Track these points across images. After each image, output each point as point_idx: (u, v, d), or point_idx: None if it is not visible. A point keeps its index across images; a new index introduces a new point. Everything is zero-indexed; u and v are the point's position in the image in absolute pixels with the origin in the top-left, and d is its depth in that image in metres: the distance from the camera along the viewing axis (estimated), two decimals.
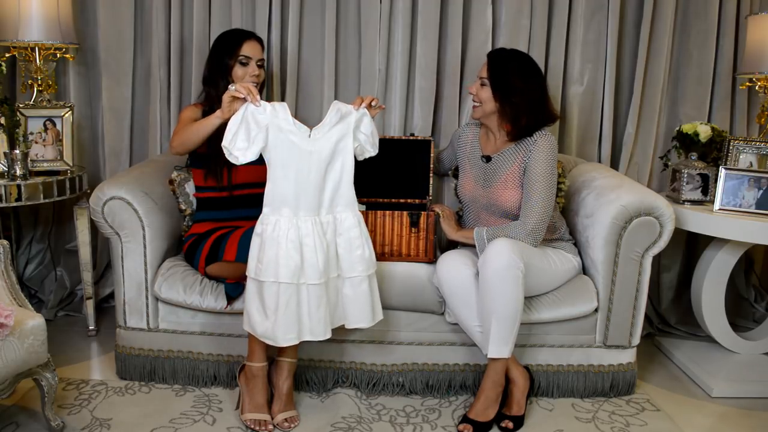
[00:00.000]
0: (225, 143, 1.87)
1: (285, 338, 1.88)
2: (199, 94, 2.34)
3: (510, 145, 2.21)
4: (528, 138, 2.16)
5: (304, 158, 1.90)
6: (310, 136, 1.92)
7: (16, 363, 1.75)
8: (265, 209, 1.92)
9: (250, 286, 1.92)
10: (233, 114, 1.90)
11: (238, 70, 2.24)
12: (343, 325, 2.01)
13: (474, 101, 2.23)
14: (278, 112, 1.89)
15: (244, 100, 1.89)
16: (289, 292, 1.86)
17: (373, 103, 2.02)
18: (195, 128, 2.05)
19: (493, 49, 2.27)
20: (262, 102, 1.89)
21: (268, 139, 1.88)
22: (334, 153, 1.94)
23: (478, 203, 2.27)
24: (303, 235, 1.89)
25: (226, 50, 2.24)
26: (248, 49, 2.25)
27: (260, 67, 2.28)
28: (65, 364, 2.38)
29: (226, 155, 1.89)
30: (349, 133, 1.96)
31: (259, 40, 2.31)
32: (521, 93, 2.13)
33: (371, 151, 2.05)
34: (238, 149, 1.87)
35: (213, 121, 1.99)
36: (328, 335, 1.93)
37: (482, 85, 2.18)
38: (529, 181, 2.13)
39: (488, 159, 2.25)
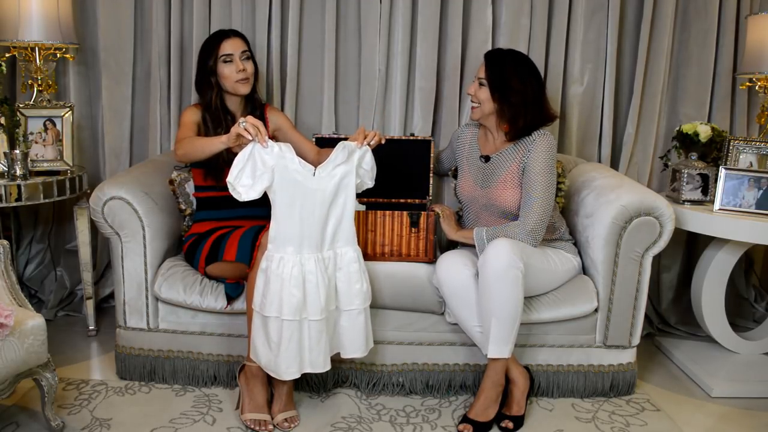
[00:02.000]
0: (230, 179, 1.88)
1: (287, 372, 1.92)
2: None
3: (509, 145, 2.21)
4: (527, 138, 2.17)
5: (309, 197, 1.92)
6: (314, 174, 1.93)
7: (16, 363, 1.75)
8: (269, 246, 1.93)
9: (256, 319, 1.94)
10: (237, 145, 1.90)
11: (224, 69, 2.22)
12: (338, 353, 2.05)
13: (472, 102, 2.23)
14: (284, 153, 1.89)
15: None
16: (291, 329, 1.89)
17: (373, 141, 2.02)
18: (200, 145, 2.04)
19: (490, 49, 2.26)
20: (270, 142, 1.88)
21: (273, 179, 1.89)
22: (338, 190, 1.96)
23: (478, 203, 2.27)
24: (306, 272, 1.91)
25: (207, 54, 2.23)
26: (228, 46, 2.22)
27: (247, 60, 2.25)
28: (65, 364, 2.38)
29: (230, 190, 1.89)
30: (353, 171, 1.98)
31: (239, 35, 2.27)
32: (519, 93, 2.13)
33: (369, 184, 2.08)
34: (242, 185, 1.88)
35: (217, 144, 1.98)
36: (328, 367, 1.97)
37: (480, 85, 2.18)
38: (528, 180, 2.13)
39: (487, 159, 2.25)
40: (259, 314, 1.93)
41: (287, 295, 1.88)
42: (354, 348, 2.03)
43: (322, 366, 1.96)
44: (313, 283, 1.91)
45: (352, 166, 1.98)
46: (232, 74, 2.22)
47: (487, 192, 2.22)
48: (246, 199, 1.89)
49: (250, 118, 1.88)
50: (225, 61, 2.22)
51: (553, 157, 2.16)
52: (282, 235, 1.91)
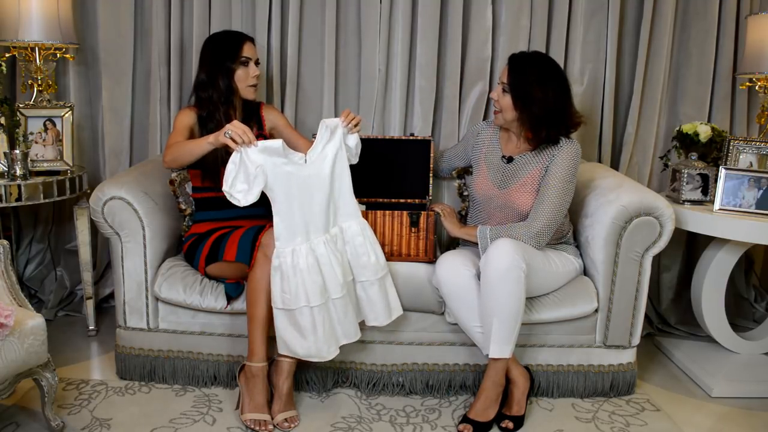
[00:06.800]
0: (225, 188, 1.90)
1: (329, 352, 2.00)
2: (190, 96, 2.31)
3: (533, 148, 2.20)
4: (553, 144, 2.16)
5: (305, 185, 1.96)
6: (305, 161, 1.97)
7: (16, 363, 1.75)
8: (277, 243, 1.96)
9: (280, 316, 1.97)
10: (224, 145, 1.92)
11: (240, 73, 2.24)
12: (363, 321, 2.13)
13: (495, 107, 2.22)
14: (271, 149, 1.92)
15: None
16: (322, 312, 1.96)
17: (351, 124, 2.07)
18: (188, 148, 2.05)
19: (514, 52, 2.21)
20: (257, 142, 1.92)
21: (267, 178, 1.92)
22: (333, 168, 2.01)
23: (493, 203, 2.25)
24: (319, 256, 1.97)
25: (226, 53, 2.23)
26: (248, 50, 2.26)
27: (257, 66, 2.30)
28: (65, 364, 2.38)
29: (228, 198, 1.92)
30: (342, 146, 2.05)
31: (253, 41, 2.32)
32: (541, 102, 2.09)
33: (354, 160, 2.13)
34: (238, 191, 1.91)
35: (204, 146, 2.01)
36: (359, 335, 2.08)
37: (503, 91, 2.15)
38: (545, 184, 2.12)
39: (509, 160, 2.24)
40: (282, 311, 1.96)
41: (310, 283, 1.93)
42: (374, 317, 2.10)
43: (354, 335, 2.06)
44: (328, 264, 1.97)
45: (341, 142, 2.04)
46: (247, 78, 2.26)
47: (505, 193, 2.21)
48: (245, 204, 1.92)
49: (235, 125, 1.90)
50: (243, 64, 2.25)
51: (576, 166, 2.15)
52: (287, 230, 1.95)
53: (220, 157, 2.12)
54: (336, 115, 2.78)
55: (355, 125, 2.09)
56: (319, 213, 1.98)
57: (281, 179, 1.93)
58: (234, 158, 1.90)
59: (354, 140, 2.10)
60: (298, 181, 1.94)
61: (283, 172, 1.93)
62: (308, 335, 1.96)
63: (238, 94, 2.27)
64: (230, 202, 2.25)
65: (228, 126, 1.91)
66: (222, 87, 2.23)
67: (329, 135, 2.01)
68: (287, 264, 1.94)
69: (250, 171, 1.89)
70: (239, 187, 1.90)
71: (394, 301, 2.12)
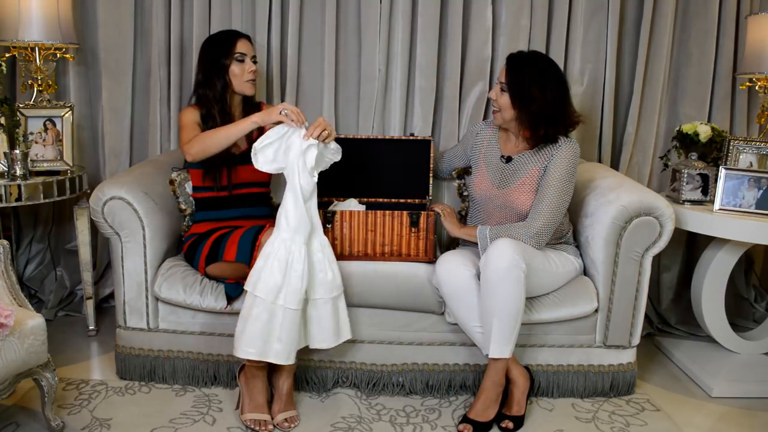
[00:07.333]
0: (256, 144, 1.97)
1: (245, 351, 1.92)
2: (190, 97, 2.33)
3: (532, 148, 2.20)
4: (552, 143, 2.16)
5: (301, 194, 1.96)
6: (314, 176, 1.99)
7: (16, 363, 1.75)
8: (276, 223, 1.98)
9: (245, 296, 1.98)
10: (273, 122, 1.99)
11: (235, 69, 2.25)
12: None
13: (494, 107, 2.22)
14: (308, 150, 1.95)
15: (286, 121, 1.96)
16: (261, 308, 1.90)
17: (323, 134, 2.00)
18: (224, 134, 2.07)
19: (512, 52, 2.21)
20: (303, 131, 1.97)
21: (288, 162, 1.97)
22: (315, 186, 2.02)
23: (492, 203, 2.25)
24: (294, 260, 1.92)
25: (220, 51, 2.25)
26: (242, 46, 2.26)
27: (254, 63, 2.30)
28: (65, 364, 2.38)
29: (252, 154, 1.97)
30: (319, 159, 2.03)
31: (249, 38, 2.32)
32: (539, 101, 2.10)
33: (337, 157, 2.10)
34: (264, 154, 1.97)
35: (247, 126, 2.05)
36: (292, 361, 1.96)
37: (502, 90, 2.16)
38: (544, 184, 2.12)
39: (509, 159, 2.24)
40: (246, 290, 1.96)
41: (266, 273, 1.90)
42: (321, 338, 2.03)
43: (285, 359, 1.94)
44: (299, 272, 1.92)
45: (312, 158, 2.00)
46: (243, 74, 2.26)
47: (504, 192, 2.21)
48: (259, 169, 1.98)
49: (288, 106, 1.97)
50: (238, 60, 2.25)
51: (575, 166, 2.15)
52: (283, 219, 1.95)
53: (222, 158, 2.13)
54: (336, 116, 2.79)
55: (328, 135, 2.01)
56: (306, 222, 1.96)
57: (298, 178, 1.96)
58: (280, 129, 1.97)
59: (333, 145, 2.06)
60: (299, 188, 1.95)
61: (296, 172, 1.95)
62: (239, 322, 1.93)
63: (234, 91, 2.28)
64: (230, 202, 2.27)
65: (280, 105, 1.98)
66: (217, 85, 2.24)
67: (302, 163, 1.98)
68: (263, 248, 1.94)
69: (281, 150, 1.96)
70: (267, 152, 1.97)
71: (344, 324, 2.07)
